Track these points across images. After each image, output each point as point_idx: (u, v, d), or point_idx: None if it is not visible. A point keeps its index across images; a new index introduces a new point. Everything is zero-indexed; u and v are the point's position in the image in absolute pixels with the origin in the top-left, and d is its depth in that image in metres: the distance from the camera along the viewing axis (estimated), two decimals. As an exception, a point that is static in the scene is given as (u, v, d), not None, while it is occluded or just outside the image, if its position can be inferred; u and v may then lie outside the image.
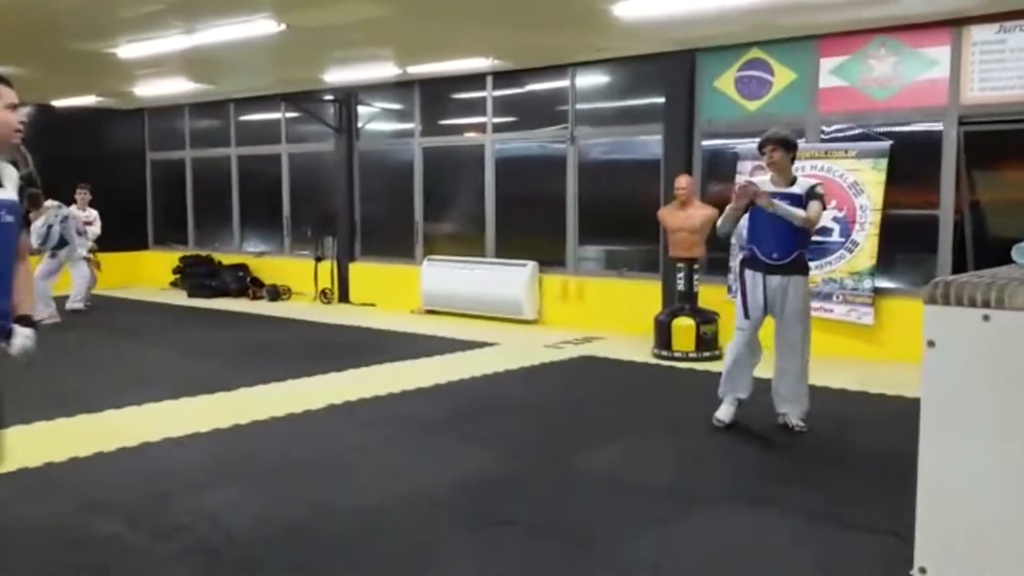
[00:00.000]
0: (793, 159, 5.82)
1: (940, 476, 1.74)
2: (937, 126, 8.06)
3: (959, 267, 7.79)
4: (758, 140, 8.89)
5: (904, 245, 8.33)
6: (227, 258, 14.06)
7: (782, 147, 5.70)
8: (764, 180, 5.80)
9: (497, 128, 11.23)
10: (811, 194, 5.70)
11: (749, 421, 6.19)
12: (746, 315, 5.81)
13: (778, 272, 5.68)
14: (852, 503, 4.48)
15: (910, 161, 8.17)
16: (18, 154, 3.48)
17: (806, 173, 7.22)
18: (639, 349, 8.66)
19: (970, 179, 8.19)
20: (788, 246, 5.67)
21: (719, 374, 7.66)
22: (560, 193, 10.56)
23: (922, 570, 1.81)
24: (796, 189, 5.72)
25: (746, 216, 5.77)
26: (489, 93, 11.19)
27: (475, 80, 11.17)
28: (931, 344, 1.77)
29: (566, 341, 9.31)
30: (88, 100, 13.92)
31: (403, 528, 4.20)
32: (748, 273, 5.80)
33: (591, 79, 10.46)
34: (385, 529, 4.17)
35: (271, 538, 4.02)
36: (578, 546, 3.96)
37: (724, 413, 5.94)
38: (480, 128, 11.38)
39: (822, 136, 8.69)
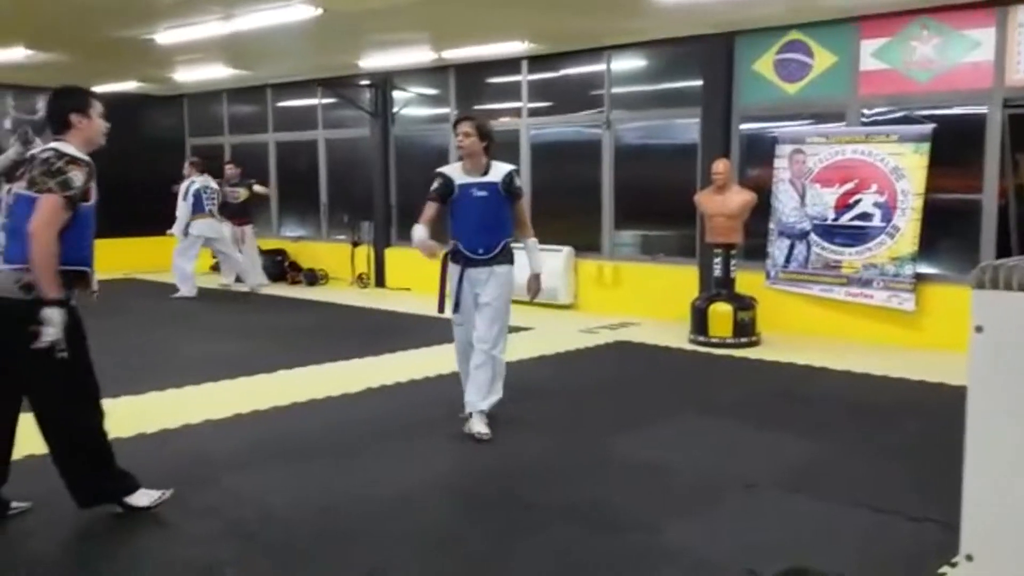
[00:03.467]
0: (488, 148, 5.30)
1: (987, 462, 1.71)
2: (981, 109, 7.90)
3: (1003, 252, 7.66)
4: (798, 124, 8.90)
5: (946, 230, 8.19)
6: (265, 243, 14.17)
7: (477, 132, 5.23)
8: (456, 167, 5.44)
9: (532, 113, 11.19)
10: (512, 187, 5.33)
11: (784, 408, 6.15)
12: None
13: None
14: (890, 490, 4.44)
15: (953, 145, 8.02)
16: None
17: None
18: (675, 335, 8.61)
19: (1015, 163, 8.03)
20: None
21: (757, 361, 7.65)
22: (596, 178, 10.52)
23: (969, 557, 1.79)
24: (492, 178, 5.31)
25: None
26: (524, 77, 11.15)
27: (510, 64, 11.13)
28: (979, 329, 1.73)
29: (601, 326, 9.28)
30: (128, 86, 14.06)
31: (438, 511, 4.22)
32: None
33: (627, 63, 10.38)
34: (420, 512, 4.19)
35: (306, 520, 4.06)
36: (612, 531, 3.95)
37: None
38: (515, 113, 11.35)
39: (863, 120, 8.56)
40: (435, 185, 5.44)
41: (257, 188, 12.80)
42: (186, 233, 11.56)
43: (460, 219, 5.41)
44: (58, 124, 3.95)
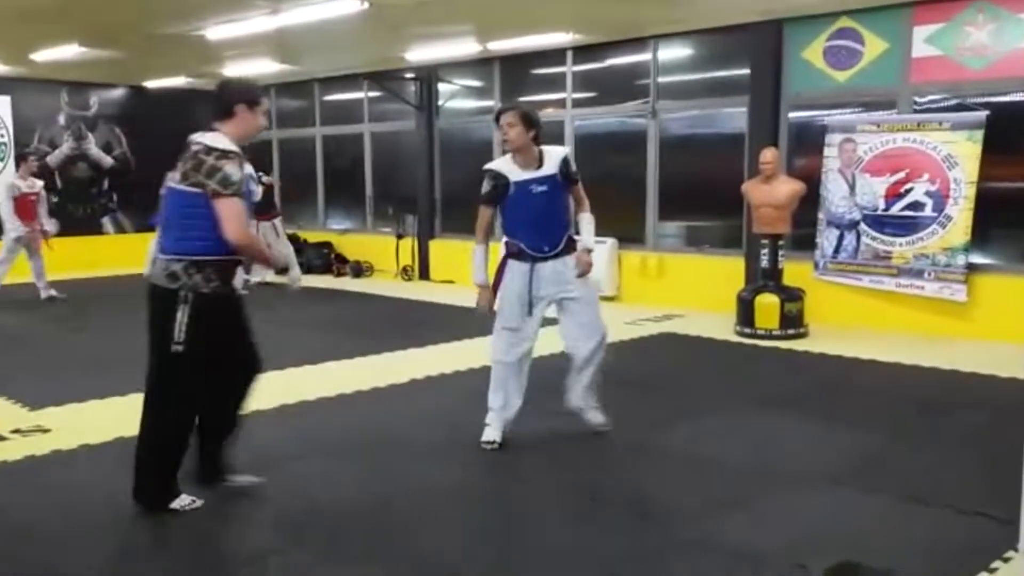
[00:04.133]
0: (536, 137, 4.88)
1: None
2: (1038, 95, 7.71)
3: (1060, 242, 7.47)
4: (848, 112, 8.75)
5: (1000, 220, 8.01)
6: (312, 235, 14.31)
7: (522, 122, 4.82)
8: (504, 163, 4.99)
9: (577, 103, 11.14)
10: (569, 172, 4.96)
11: (832, 400, 6.06)
12: None
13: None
14: (941, 484, 4.36)
15: (1008, 132, 7.83)
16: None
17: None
18: (721, 326, 8.53)
19: (1073, 150, 7.83)
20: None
21: (805, 353, 7.55)
22: (640, 168, 10.45)
23: None
24: (549, 169, 4.91)
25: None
26: (569, 68, 11.10)
27: (555, 56, 11.09)
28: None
29: (645, 318, 9.23)
30: (178, 81, 14.27)
31: (484, 503, 4.23)
32: None
33: (673, 52, 10.29)
34: (467, 504, 4.21)
35: (353, 511, 4.09)
36: (660, 522, 3.94)
37: None
38: (560, 104, 11.31)
39: (915, 107, 8.40)
40: (487, 187, 4.98)
41: (264, 179, 12.03)
42: None
43: (520, 218, 4.98)
44: (222, 111, 4.06)
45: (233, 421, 4.27)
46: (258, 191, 11.61)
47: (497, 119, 4.93)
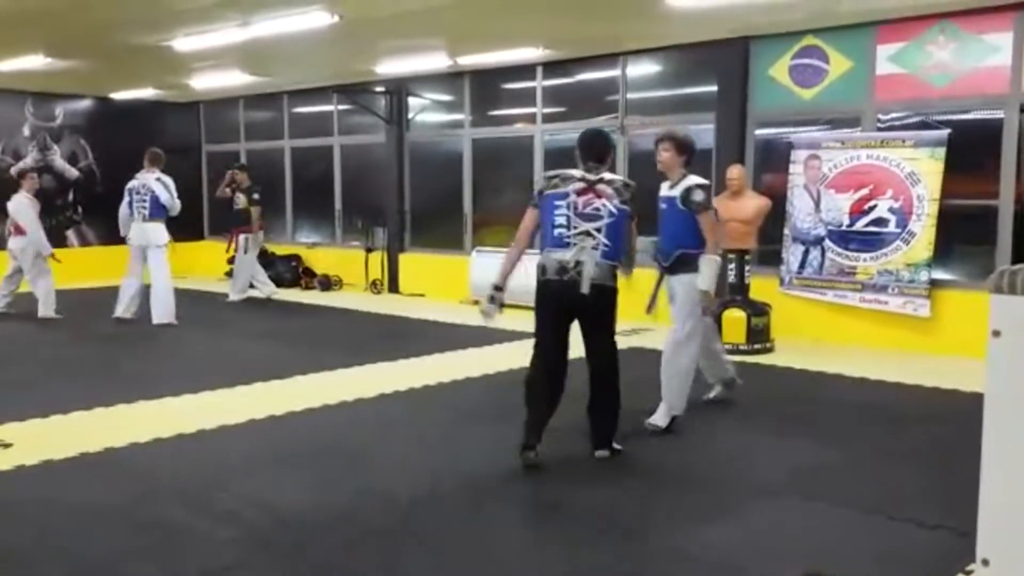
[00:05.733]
0: (687, 162, 5.61)
1: (1004, 467, 1.70)
2: (998, 114, 7.87)
3: (1019, 258, 7.61)
4: (814, 129, 8.87)
5: (962, 236, 8.16)
6: (280, 248, 14.23)
7: (674, 148, 5.60)
8: (666, 183, 5.72)
9: (547, 118, 11.20)
10: (690, 200, 5.48)
11: (798, 414, 6.12)
12: None
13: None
14: (905, 497, 4.42)
15: (969, 150, 7.99)
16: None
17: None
18: (689, 340, 8.58)
19: (1032, 168, 7.99)
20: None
21: (770, 367, 7.62)
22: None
23: (985, 562, 1.78)
24: (675, 191, 5.57)
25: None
26: (539, 83, 11.17)
27: (525, 70, 11.16)
28: (996, 334, 1.73)
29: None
30: (146, 93, 14.17)
31: (453, 515, 4.22)
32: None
33: (642, 68, 10.39)
34: (435, 516, 4.20)
35: (322, 524, 4.07)
36: (629, 535, 3.95)
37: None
38: (530, 119, 11.37)
39: (879, 125, 8.54)
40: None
41: (253, 204, 11.86)
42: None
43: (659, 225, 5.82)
44: (605, 156, 5.13)
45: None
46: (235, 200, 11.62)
47: (656, 143, 5.72)
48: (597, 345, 5.13)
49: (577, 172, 5.04)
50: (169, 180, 9.93)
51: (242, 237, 11.78)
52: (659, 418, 5.68)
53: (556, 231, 4.96)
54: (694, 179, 5.59)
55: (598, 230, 4.90)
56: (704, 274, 5.47)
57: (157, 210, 9.80)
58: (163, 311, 9.68)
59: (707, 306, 5.62)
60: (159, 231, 9.82)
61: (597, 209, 4.91)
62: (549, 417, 4.97)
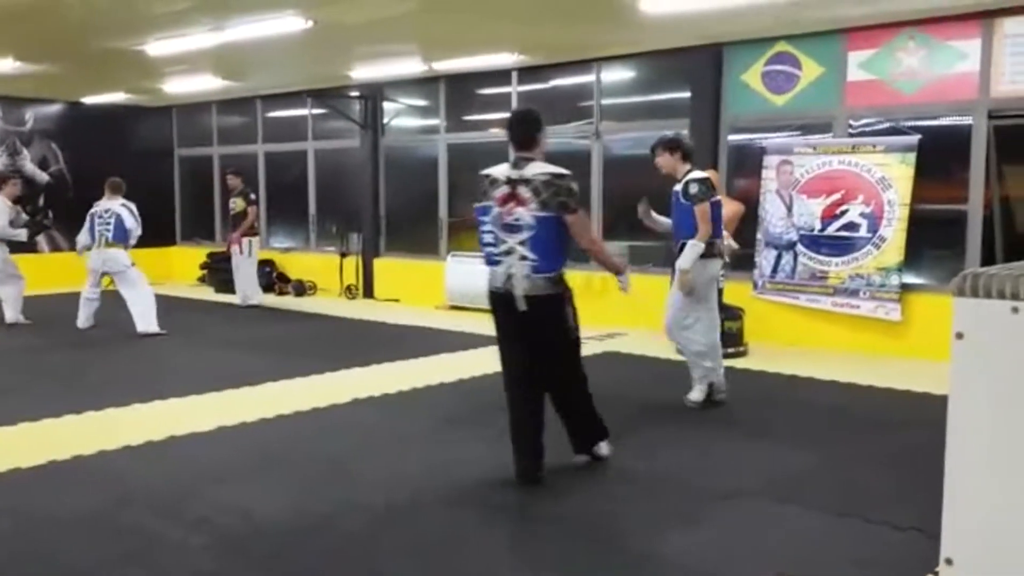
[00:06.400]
0: (684, 158, 6.17)
1: (967, 467, 1.72)
2: (967, 120, 7.97)
3: (988, 263, 7.66)
4: (785, 135, 8.94)
5: (932, 241, 8.24)
6: (254, 254, 14.13)
7: (667, 150, 6.17)
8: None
9: (522, 124, 11.20)
10: (686, 194, 6.04)
11: (771, 418, 6.16)
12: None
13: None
14: (876, 500, 4.45)
15: (939, 155, 8.08)
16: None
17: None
18: (662, 345, 8.60)
19: (1000, 174, 8.09)
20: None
21: (744, 371, 7.66)
22: (584, 189, 10.51)
23: (948, 561, 1.80)
24: (677, 186, 6.12)
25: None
26: (514, 88, 11.18)
27: (500, 76, 11.17)
28: (959, 336, 1.75)
29: (589, 337, 9.22)
30: (117, 97, 14.06)
31: (429, 522, 4.21)
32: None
33: (616, 74, 10.43)
34: (411, 523, 4.18)
35: (297, 531, 4.04)
36: (605, 541, 3.95)
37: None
38: (505, 124, 11.35)
39: (850, 131, 8.62)
40: None
41: (251, 204, 11.95)
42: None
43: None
44: (530, 141, 4.73)
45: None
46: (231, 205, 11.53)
47: (652, 151, 6.32)
48: (549, 373, 4.78)
49: (503, 170, 4.61)
50: (133, 206, 9.87)
51: (245, 240, 11.73)
52: (695, 394, 6.33)
53: (486, 249, 4.71)
54: (693, 174, 6.10)
55: (522, 243, 4.49)
56: (684, 255, 6.02)
57: (120, 234, 9.67)
58: (148, 321, 9.56)
59: (683, 282, 6.07)
60: (119, 257, 9.64)
61: (517, 220, 4.49)
62: (536, 426, 4.76)
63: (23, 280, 10.20)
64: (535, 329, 4.61)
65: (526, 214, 4.46)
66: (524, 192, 4.46)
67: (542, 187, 4.44)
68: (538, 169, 4.51)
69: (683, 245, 6.05)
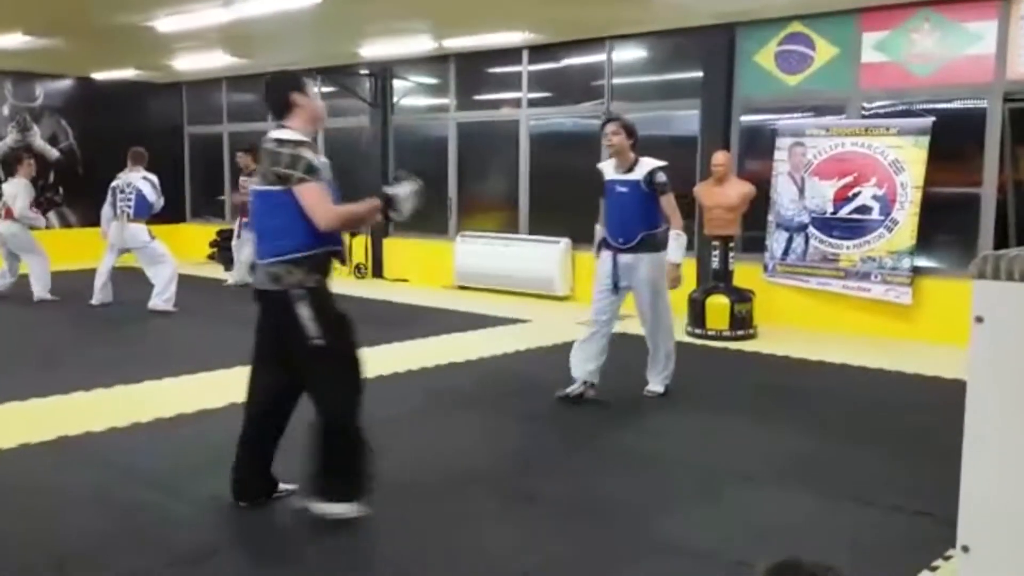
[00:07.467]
0: (633, 146, 5.81)
1: (986, 452, 1.70)
2: (981, 103, 7.88)
3: (1001, 246, 7.63)
4: (798, 117, 8.87)
5: (945, 224, 8.18)
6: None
7: (624, 131, 5.76)
8: (607, 164, 5.94)
9: (532, 103, 11.16)
10: (654, 183, 5.73)
11: (780, 401, 6.14)
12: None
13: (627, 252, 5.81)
14: (885, 484, 4.44)
15: (953, 138, 8.01)
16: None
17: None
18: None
19: (1014, 157, 8.02)
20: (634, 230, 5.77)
21: (753, 353, 7.64)
22: (594, 169, 10.48)
23: (965, 548, 1.78)
24: (635, 175, 5.77)
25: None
26: (524, 68, 11.11)
27: (510, 54, 11.10)
28: (979, 319, 1.72)
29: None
30: (127, 73, 14.02)
31: (435, 502, 4.21)
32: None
33: (628, 53, 10.35)
34: (418, 502, 4.19)
35: (302, 509, 4.04)
36: (608, 523, 3.95)
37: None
38: (515, 103, 11.32)
39: (863, 112, 8.54)
40: (599, 184, 5.97)
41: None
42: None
43: (607, 211, 5.91)
44: (281, 107, 3.86)
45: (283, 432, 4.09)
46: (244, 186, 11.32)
47: (603, 127, 5.85)
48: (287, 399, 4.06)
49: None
50: (154, 178, 9.80)
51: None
52: (656, 385, 6.10)
53: None
54: (653, 161, 5.83)
55: (250, 224, 4.04)
56: (675, 248, 5.82)
57: (142, 209, 9.62)
58: (165, 299, 9.56)
59: (676, 277, 5.91)
60: (138, 233, 9.59)
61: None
62: (265, 455, 4.08)
63: (46, 256, 10.25)
64: (272, 335, 3.91)
65: (252, 189, 3.91)
66: (261, 166, 3.87)
67: (265, 156, 3.78)
68: (284, 137, 3.77)
69: (645, 237, 5.72)
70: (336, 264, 3.96)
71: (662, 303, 5.90)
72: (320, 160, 3.78)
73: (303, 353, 3.79)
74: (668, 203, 5.78)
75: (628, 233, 5.76)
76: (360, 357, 3.98)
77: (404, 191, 4.06)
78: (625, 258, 5.79)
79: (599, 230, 5.99)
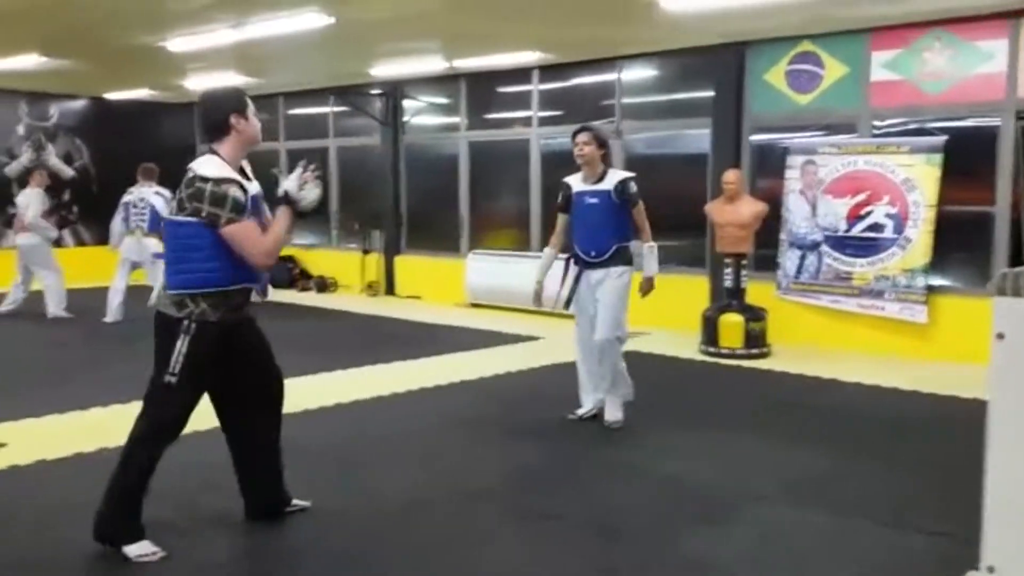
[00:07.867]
0: (604, 157, 5.70)
1: (1010, 472, 1.69)
2: (994, 121, 7.88)
3: (1015, 264, 7.60)
4: (809, 135, 8.88)
5: (959, 242, 8.15)
6: (275, 250, 14.18)
7: (595, 141, 5.65)
8: (574, 178, 5.80)
9: (543, 122, 11.20)
10: (626, 193, 5.60)
11: (794, 420, 6.11)
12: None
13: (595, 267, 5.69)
14: (902, 504, 4.40)
15: (965, 156, 7.99)
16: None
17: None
18: (685, 345, 8.58)
19: (1028, 175, 8.00)
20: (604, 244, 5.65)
21: (767, 372, 7.61)
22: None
23: (991, 569, 1.76)
24: (605, 185, 5.64)
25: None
26: (535, 87, 11.16)
27: (521, 74, 11.15)
28: (1000, 336, 1.71)
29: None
30: (141, 93, 14.14)
31: (445, 519, 4.20)
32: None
33: (638, 73, 10.39)
34: (428, 520, 4.18)
35: (315, 526, 4.05)
36: (621, 542, 3.93)
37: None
38: (525, 122, 11.36)
39: (874, 131, 8.54)
40: (559, 197, 5.90)
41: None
42: None
43: (575, 224, 5.78)
44: (215, 129, 3.74)
45: (272, 449, 4.11)
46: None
47: (574, 136, 5.72)
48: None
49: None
50: (167, 192, 9.78)
51: None
52: (615, 412, 5.77)
53: None
54: (623, 172, 5.81)
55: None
56: (651, 261, 5.82)
57: (156, 223, 9.59)
58: None
59: (651, 290, 5.86)
60: (151, 247, 9.62)
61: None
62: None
63: (62, 273, 10.31)
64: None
65: (166, 218, 3.82)
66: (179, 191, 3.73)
67: (185, 186, 3.64)
68: (201, 172, 3.64)
69: (618, 249, 5.62)
70: (254, 296, 3.93)
71: (622, 315, 5.71)
72: (248, 186, 3.73)
73: (153, 375, 3.76)
74: (639, 214, 5.71)
75: (600, 245, 5.63)
76: (185, 401, 3.81)
77: (292, 182, 3.86)
78: (596, 274, 5.66)
79: (548, 253, 5.94)
